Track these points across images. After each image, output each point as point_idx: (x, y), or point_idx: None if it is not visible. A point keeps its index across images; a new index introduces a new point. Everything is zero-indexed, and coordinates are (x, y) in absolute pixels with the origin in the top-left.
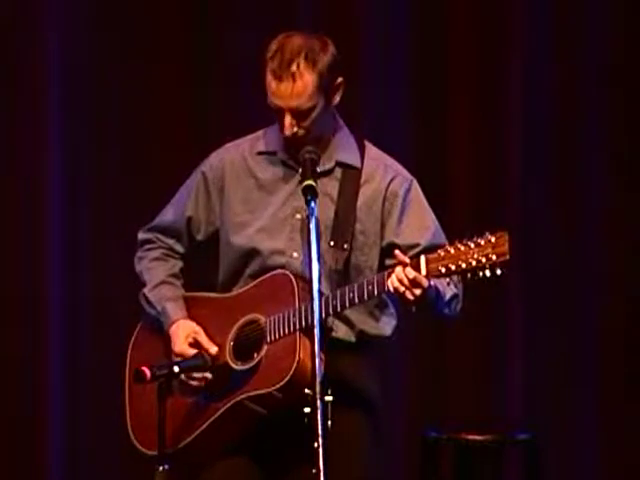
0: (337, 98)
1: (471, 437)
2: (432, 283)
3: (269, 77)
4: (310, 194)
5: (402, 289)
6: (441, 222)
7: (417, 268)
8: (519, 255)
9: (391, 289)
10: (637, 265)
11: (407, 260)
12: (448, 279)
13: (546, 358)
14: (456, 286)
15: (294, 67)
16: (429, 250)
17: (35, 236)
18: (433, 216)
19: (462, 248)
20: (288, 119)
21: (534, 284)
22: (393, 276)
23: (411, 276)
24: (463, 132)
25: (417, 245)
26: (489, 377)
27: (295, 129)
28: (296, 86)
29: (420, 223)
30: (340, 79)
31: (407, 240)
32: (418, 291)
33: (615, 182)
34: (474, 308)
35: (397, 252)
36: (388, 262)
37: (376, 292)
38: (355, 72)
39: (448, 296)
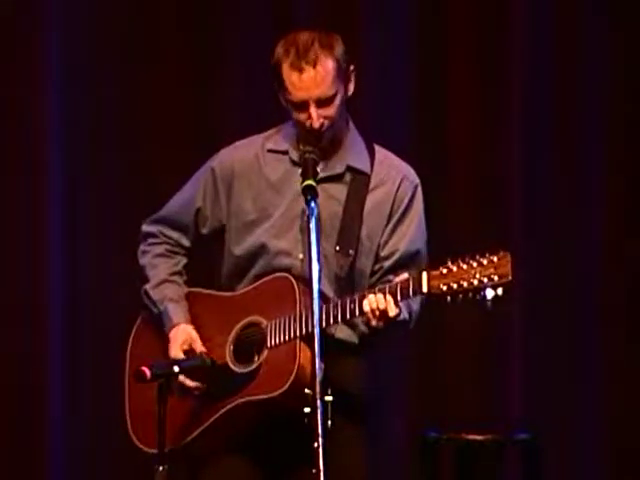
0: (351, 87)
1: (471, 437)
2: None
3: (288, 72)
4: (310, 194)
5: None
6: (441, 221)
7: (419, 284)
8: (518, 254)
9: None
10: (637, 264)
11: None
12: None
13: (546, 358)
14: (410, 313)
15: (312, 55)
16: (404, 256)
17: (35, 236)
18: (422, 225)
19: (464, 267)
20: (314, 110)
21: (533, 283)
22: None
23: (382, 306)
24: (463, 132)
25: (395, 252)
26: (489, 377)
27: (322, 120)
28: (318, 73)
29: (407, 234)
30: (352, 66)
31: (389, 250)
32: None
33: (615, 181)
34: (473, 308)
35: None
36: (375, 267)
37: None
38: (355, 71)
39: (399, 319)
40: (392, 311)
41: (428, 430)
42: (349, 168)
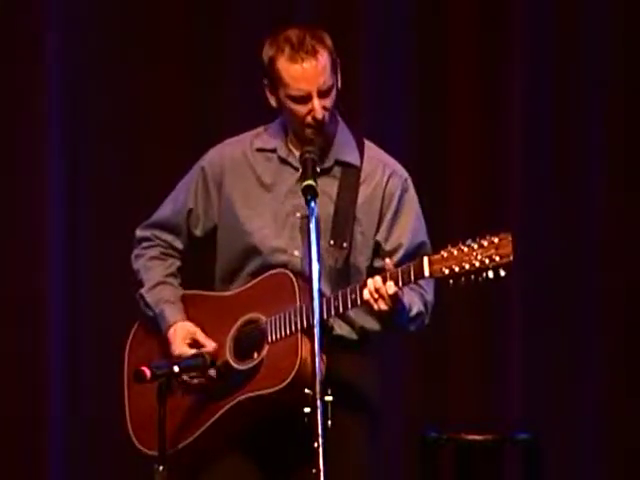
0: (339, 82)
1: (471, 437)
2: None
3: (287, 66)
4: (310, 194)
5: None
6: (440, 219)
7: (420, 269)
8: (518, 254)
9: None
10: (636, 265)
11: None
12: (416, 297)
13: (546, 358)
14: (425, 305)
15: (309, 46)
16: (410, 249)
17: (35, 236)
18: (420, 216)
19: (465, 249)
20: (317, 101)
21: (533, 284)
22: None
23: (379, 286)
24: (463, 132)
25: (400, 247)
26: (489, 377)
27: (323, 111)
28: (319, 62)
29: (407, 227)
30: (339, 60)
31: (392, 245)
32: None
33: (614, 182)
34: (473, 308)
35: (387, 261)
36: (376, 264)
37: None
38: (355, 71)
39: (414, 311)
40: (391, 288)
41: (428, 430)
42: (338, 162)
